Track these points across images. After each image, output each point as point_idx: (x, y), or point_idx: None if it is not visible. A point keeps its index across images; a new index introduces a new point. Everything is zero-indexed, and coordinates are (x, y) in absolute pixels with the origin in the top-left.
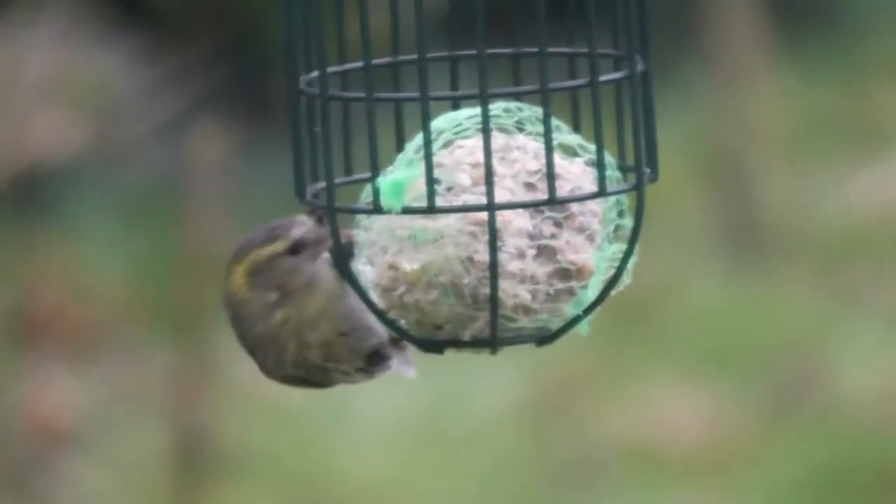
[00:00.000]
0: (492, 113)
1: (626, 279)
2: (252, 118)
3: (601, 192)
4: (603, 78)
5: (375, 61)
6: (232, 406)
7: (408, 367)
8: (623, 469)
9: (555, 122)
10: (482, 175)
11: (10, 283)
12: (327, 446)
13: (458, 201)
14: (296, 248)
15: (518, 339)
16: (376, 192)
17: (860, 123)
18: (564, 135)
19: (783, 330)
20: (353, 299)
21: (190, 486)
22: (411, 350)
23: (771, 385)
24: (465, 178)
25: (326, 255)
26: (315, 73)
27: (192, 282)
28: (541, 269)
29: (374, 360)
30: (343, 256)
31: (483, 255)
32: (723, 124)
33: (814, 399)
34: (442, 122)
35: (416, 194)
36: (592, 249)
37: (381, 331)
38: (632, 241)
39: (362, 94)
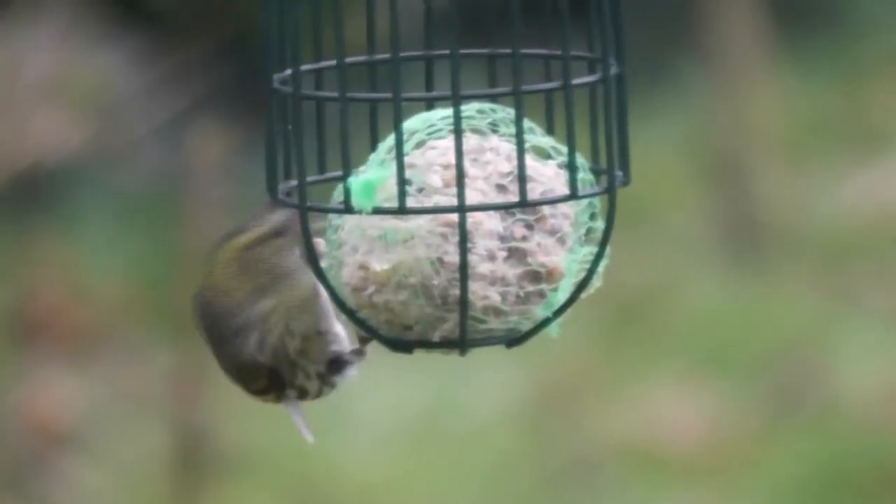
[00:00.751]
0: (466, 114)
1: (596, 282)
2: (252, 118)
3: (573, 195)
4: (576, 81)
5: (349, 60)
6: (231, 407)
7: (306, 431)
8: (622, 469)
9: (528, 124)
10: (454, 176)
11: (10, 283)
12: (327, 447)
13: (430, 202)
14: (279, 232)
15: (488, 340)
16: (347, 192)
17: (859, 124)
18: (538, 137)
19: (782, 330)
20: (326, 301)
21: (189, 487)
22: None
23: (770, 385)
24: (436, 180)
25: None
26: (288, 71)
27: (191, 282)
28: (511, 271)
29: (333, 368)
30: (314, 255)
31: (453, 257)
32: (722, 124)
33: (813, 399)
34: (415, 122)
35: (388, 194)
36: (563, 252)
37: (346, 341)
38: (603, 244)
39: (334, 94)
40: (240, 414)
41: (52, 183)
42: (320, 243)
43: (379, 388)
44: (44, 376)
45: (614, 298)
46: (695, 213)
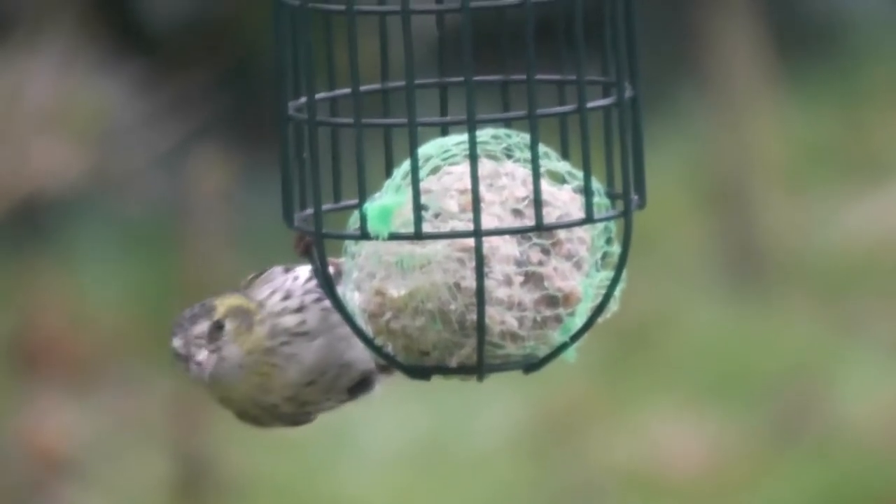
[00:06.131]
0: (480, 139)
1: (613, 306)
2: (251, 146)
3: (588, 219)
4: (591, 104)
5: (364, 87)
6: (233, 433)
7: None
8: (624, 496)
9: (543, 148)
10: (470, 201)
11: (10, 312)
12: (329, 473)
13: (446, 227)
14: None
15: (505, 366)
16: (363, 218)
17: (860, 151)
18: (553, 162)
19: (783, 357)
20: (321, 342)
21: None
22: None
23: (771, 412)
24: (452, 205)
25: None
26: (303, 99)
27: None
28: (528, 296)
29: (357, 389)
30: (330, 284)
31: (470, 282)
32: (723, 151)
33: (814, 426)
34: (431, 148)
35: (404, 220)
36: (580, 276)
37: (362, 360)
38: (619, 268)
39: (349, 120)
40: (241, 440)
41: (52, 211)
42: (341, 263)
43: (382, 414)
44: (44, 404)
45: (616, 326)
46: (696, 241)
